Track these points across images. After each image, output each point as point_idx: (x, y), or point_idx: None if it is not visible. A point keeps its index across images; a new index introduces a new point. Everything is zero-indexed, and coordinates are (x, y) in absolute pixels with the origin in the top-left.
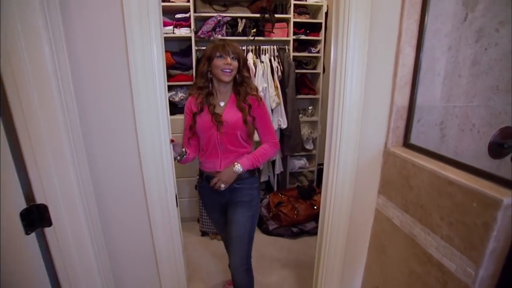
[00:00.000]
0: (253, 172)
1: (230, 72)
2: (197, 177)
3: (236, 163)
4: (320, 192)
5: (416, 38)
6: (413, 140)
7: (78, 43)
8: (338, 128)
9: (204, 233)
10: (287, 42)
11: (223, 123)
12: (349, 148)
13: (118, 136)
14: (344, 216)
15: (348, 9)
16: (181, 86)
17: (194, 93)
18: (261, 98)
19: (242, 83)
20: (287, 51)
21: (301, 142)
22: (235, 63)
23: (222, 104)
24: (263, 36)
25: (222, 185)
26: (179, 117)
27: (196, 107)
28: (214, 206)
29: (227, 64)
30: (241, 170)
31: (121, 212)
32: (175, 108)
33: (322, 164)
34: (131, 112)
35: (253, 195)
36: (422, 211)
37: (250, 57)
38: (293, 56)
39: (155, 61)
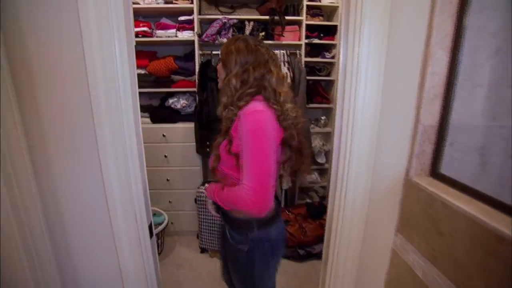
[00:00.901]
0: (243, 228)
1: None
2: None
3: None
4: None
5: (451, 38)
6: (444, 168)
7: None
8: (347, 149)
9: (203, 250)
10: (299, 46)
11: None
12: (361, 174)
13: (78, 153)
14: (352, 256)
15: (362, 0)
16: (184, 93)
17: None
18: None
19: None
20: (298, 56)
21: (312, 155)
22: (220, 67)
23: None
24: (273, 39)
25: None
26: (181, 125)
27: None
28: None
29: None
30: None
31: (84, 244)
32: (177, 115)
33: None
34: (92, 128)
35: (238, 257)
36: (457, 268)
37: None
38: (305, 62)
39: (117, 60)
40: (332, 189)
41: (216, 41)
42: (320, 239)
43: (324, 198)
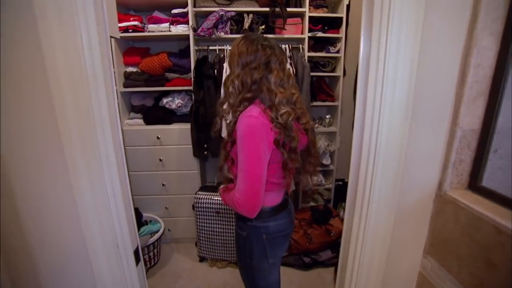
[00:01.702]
0: (244, 217)
1: None
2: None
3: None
4: (337, 215)
5: (503, 20)
6: (486, 181)
7: None
8: (370, 159)
9: (202, 259)
10: (302, 40)
11: None
12: (386, 186)
13: (41, 172)
14: (374, 281)
15: None
16: (179, 91)
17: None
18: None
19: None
20: (301, 50)
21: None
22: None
23: None
24: (274, 33)
25: None
26: (177, 126)
27: None
28: None
29: None
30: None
31: (54, 278)
32: (172, 116)
33: (341, 181)
34: (56, 139)
35: (238, 243)
36: None
37: None
38: (308, 57)
39: (85, 56)
40: (350, 202)
41: (213, 36)
42: (326, 246)
43: (329, 201)
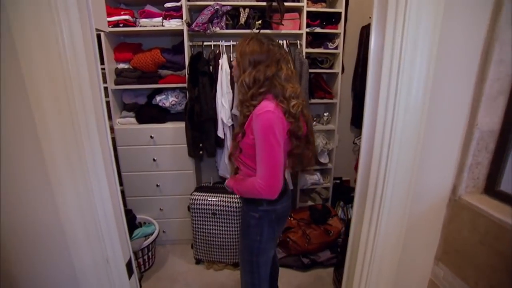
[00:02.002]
0: (255, 203)
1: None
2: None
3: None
4: (336, 214)
5: None
6: (504, 185)
7: None
8: (382, 163)
9: (198, 261)
10: (299, 36)
11: None
12: (398, 193)
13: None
14: None
15: None
16: (173, 89)
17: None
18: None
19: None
20: (299, 46)
21: (315, 155)
22: (235, 65)
23: None
24: (271, 28)
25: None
26: (171, 125)
27: None
28: None
29: None
30: (227, 186)
31: None
32: (166, 114)
33: (338, 179)
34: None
35: (249, 223)
36: None
37: None
38: (306, 53)
39: (66, 50)
40: (358, 207)
41: (208, 31)
42: (325, 246)
43: (327, 200)
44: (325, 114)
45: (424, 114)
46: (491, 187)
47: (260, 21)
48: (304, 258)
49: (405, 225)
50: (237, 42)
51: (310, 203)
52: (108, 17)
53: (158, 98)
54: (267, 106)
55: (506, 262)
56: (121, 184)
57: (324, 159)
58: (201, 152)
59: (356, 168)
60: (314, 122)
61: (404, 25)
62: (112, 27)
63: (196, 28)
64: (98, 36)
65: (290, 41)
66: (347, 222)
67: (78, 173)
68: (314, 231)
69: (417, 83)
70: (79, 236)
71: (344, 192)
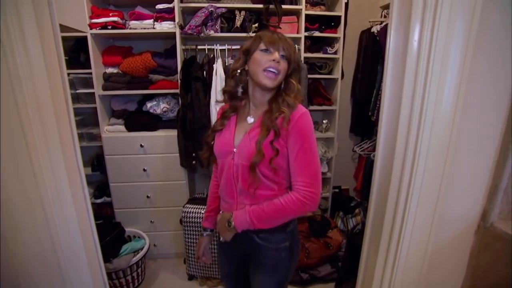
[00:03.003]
0: (282, 226)
1: (276, 74)
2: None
3: (231, 215)
4: (336, 226)
5: None
6: None
7: None
8: (404, 183)
9: (191, 277)
10: (298, 40)
11: (234, 150)
12: (422, 220)
13: None
14: None
15: None
16: (164, 95)
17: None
18: (289, 119)
19: (282, 94)
20: (297, 51)
21: None
22: (285, 64)
23: (250, 121)
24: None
25: (221, 238)
26: (162, 133)
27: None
28: (228, 257)
29: (274, 61)
30: (234, 226)
31: None
32: (157, 122)
33: (337, 188)
34: None
35: (279, 258)
36: None
37: None
38: (305, 58)
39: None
40: (370, 234)
41: (202, 34)
42: (325, 260)
43: (326, 210)
44: (324, 121)
45: (454, 127)
46: None
47: (256, 24)
48: (303, 273)
49: (428, 257)
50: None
51: (308, 214)
52: (95, 18)
53: (148, 104)
54: (302, 107)
55: None
56: (109, 195)
57: (323, 168)
58: (194, 162)
59: (356, 176)
60: None
61: (435, 24)
62: (99, 29)
63: (189, 31)
64: (85, 39)
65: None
66: (347, 234)
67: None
68: (313, 244)
69: (448, 91)
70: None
71: (343, 202)
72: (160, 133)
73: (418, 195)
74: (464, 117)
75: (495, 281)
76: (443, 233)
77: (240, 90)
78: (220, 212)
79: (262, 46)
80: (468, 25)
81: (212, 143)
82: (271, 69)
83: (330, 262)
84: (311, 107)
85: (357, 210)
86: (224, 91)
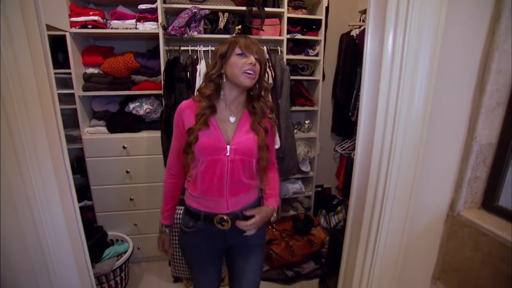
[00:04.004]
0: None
1: (253, 75)
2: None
3: (269, 207)
4: (319, 224)
5: None
6: (502, 200)
7: None
8: (381, 181)
9: (176, 279)
10: (280, 42)
11: (228, 147)
12: (397, 213)
13: None
14: None
15: None
16: (147, 96)
17: (196, 99)
18: (275, 121)
19: (259, 97)
20: (279, 53)
21: (296, 165)
22: (258, 67)
23: (232, 120)
24: (251, 34)
25: (251, 232)
26: (145, 134)
27: (194, 120)
28: (210, 256)
29: (251, 64)
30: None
31: None
32: (140, 123)
33: (320, 187)
34: None
35: (264, 236)
36: None
37: None
38: (287, 60)
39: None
40: (351, 228)
41: (185, 35)
42: (309, 257)
43: (309, 208)
44: (306, 121)
45: (425, 126)
46: (489, 202)
47: (240, 26)
48: (288, 271)
49: (404, 246)
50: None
51: (292, 212)
52: (74, 17)
53: (131, 105)
54: None
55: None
56: (90, 199)
57: (305, 168)
58: None
59: (337, 175)
60: (296, 130)
61: (406, 32)
62: (79, 28)
63: (173, 32)
64: (63, 38)
65: (270, 47)
66: (330, 231)
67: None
68: (297, 242)
69: (419, 93)
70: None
71: (325, 200)
72: (143, 134)
73: (394, 189)
74: (434, 116)
75: (461, 264)
76: (416, 224)
77: (221, 92)
78: (258, 207)
79: (238, 50)
80: (435, 30)
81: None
82: (249, 71)
83: (314, 259)
84: (294, 108)
85: (339, 208)
86: (204, 94)
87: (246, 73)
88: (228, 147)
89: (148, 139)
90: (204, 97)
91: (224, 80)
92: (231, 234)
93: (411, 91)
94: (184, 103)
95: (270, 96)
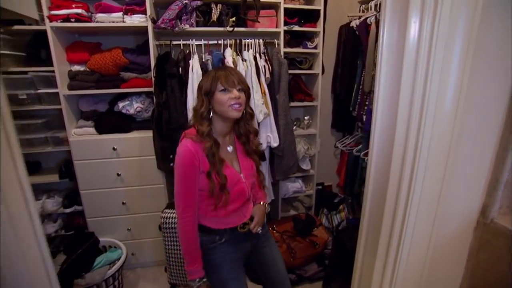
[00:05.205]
0: None
1: (240, 106)
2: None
3: (261, 202)
4: (321, 223)
5: None
6: None
7: None
8: (404, 183)
9: (173, 286)
10: (277, 34)
11: (241, 175)
12: (422, 220)
13: None
14: None
15: None
16: (138, 94)
17: (194, 139)
18: (258, 143)
19: (245, 123)
20: (276, 46)
21: (296, 163)
22: (243, 95)
23: (230, 149)
24: (245, 26)
25: (260, 229)
26: (137, 134)
27: (208, 162)
28: (240, 263)
29: (236, 98)
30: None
31: None
32: (131, 123)
33: (320, 184)
34: None
35: (265, 225)
36: None
37: (229, 54)
38: (284, 53)
39: None
40: (365, 238)
41: (176, 28)
42: (311, 259)
43: (310, 208)
44: (305, 117)
45: (457, 123)
46: None
47: (234, 18)
48: (290, 274)
49: (429, 259)
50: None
51: (292, 212)
52: (55, 10)
53: (121, 104)
54: None
55: None
56: (80, 204)
57: (306, 166)
58: (171, 164)
59: (338, 172)
60: (294, 127)
61: (435, 17)
62: (61, 21)
63: (163, 25)
64: (45, 33)
65: (267, 40)
66: (333, 232)
67: None
68: (299, 244)
69: (451, 86)
70: None
71: (327, 198)
72: (134, 134)
73: (419, 193)
74: (466, 112)
75: (495, 280)
76: (443, 232)
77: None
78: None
79: (220, 87)
80: (470, 19)
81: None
82: (235, 105)
83: (317, 261)
84: (292, 103)
85: (341, 207)
86: (204, 132)
87: (232, 106)
88: (241, 175)
89: (139, 140)
90: (204, 136)
91: (213, 114)
92: (249, 234)
93: (441, 85)
94: (191, 144)
95: (253, 122)
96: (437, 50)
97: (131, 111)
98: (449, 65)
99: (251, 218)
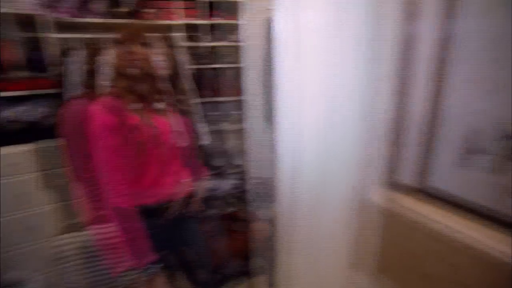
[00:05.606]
0: None
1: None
2: None
3: None
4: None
5: None
6: None
7: None
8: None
9: None
10: (194, 27)
11: None
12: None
13: None
14: None
15: None
16: (41, 96)
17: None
18: None
19: None
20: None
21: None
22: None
23: None
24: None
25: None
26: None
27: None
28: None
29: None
30: None
31: None
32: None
33: (250, 178)
34: None
35: None
36: None
37: None
38: (205, 47)
39: None
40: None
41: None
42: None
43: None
44: (234, 112)
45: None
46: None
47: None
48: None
49: None
50: None
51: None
52: None
53: (14, 110)
54: None
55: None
56: None
57: (238, 161)
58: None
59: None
60: (225, 122)
61: None
62: None
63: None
64: None
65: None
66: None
67: None
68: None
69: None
70: None
71: (259, 192)
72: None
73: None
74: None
75: None
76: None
77: None
78: None
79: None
80: None
81: None
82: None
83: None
84: (218, 99)
85: None
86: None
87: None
88: None
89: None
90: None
91: None
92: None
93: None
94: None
95: None
96: None
97: (26, 118)
98: None
99: None
